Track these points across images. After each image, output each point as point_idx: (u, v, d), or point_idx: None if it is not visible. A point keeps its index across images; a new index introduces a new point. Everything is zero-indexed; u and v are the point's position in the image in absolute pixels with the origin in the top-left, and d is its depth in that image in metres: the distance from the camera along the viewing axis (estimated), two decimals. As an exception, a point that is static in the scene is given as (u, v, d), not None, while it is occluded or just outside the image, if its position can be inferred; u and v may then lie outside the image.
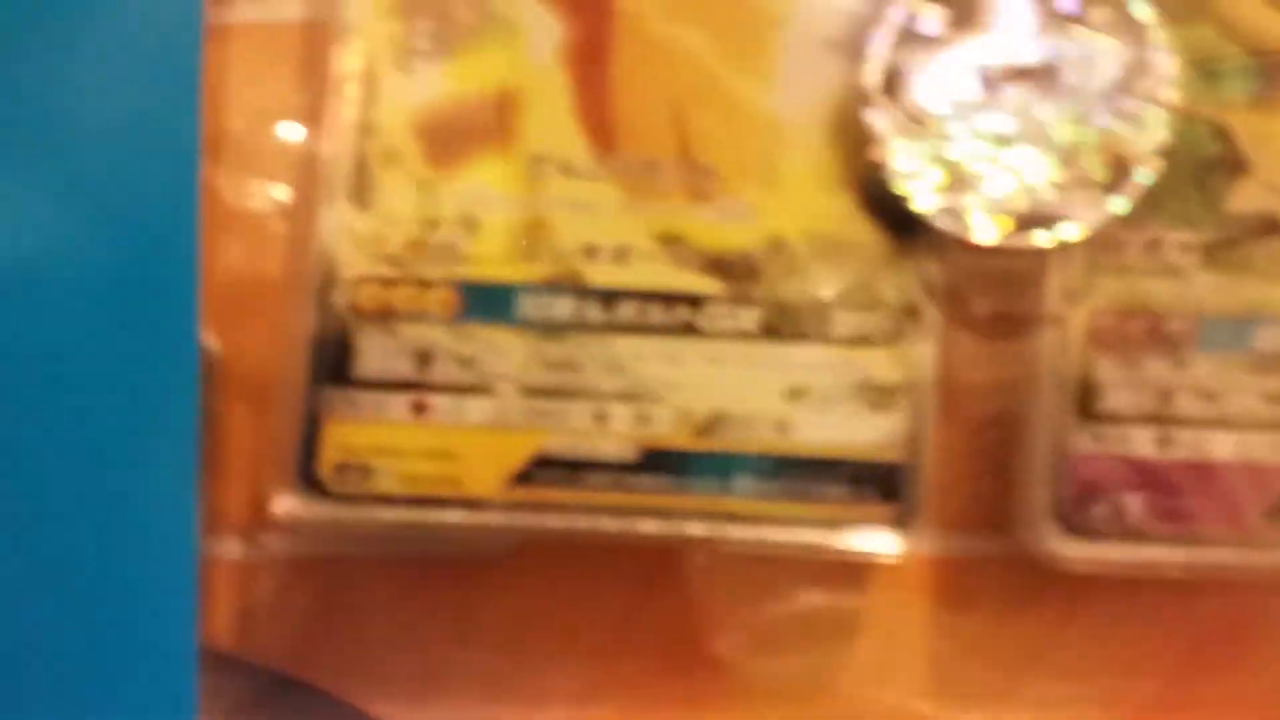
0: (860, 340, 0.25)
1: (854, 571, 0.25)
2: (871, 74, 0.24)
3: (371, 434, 0.25)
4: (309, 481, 0.24)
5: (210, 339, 0.25)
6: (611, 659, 0.26)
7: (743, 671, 0.26)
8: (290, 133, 0.27)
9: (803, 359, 0.25)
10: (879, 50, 0.24)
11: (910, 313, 0.24)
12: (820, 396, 0.24)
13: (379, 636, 0.26)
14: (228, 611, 0.26)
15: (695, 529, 0.25)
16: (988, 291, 0.25)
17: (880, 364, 0.24)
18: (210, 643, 0.25)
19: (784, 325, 0.25)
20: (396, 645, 0.26)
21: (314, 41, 0.26)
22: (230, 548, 0.26)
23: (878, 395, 0.24)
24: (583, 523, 0.24)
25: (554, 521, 0.24)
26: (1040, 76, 0.24)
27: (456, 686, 0.26)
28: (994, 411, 0.25)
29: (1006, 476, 0.25)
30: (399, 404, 0.25)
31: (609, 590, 0.26)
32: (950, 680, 0.26)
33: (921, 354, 0.24)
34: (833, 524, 0.24)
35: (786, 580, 0.26)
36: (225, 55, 0.27)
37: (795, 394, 0.25)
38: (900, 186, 0.24)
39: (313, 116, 0.26)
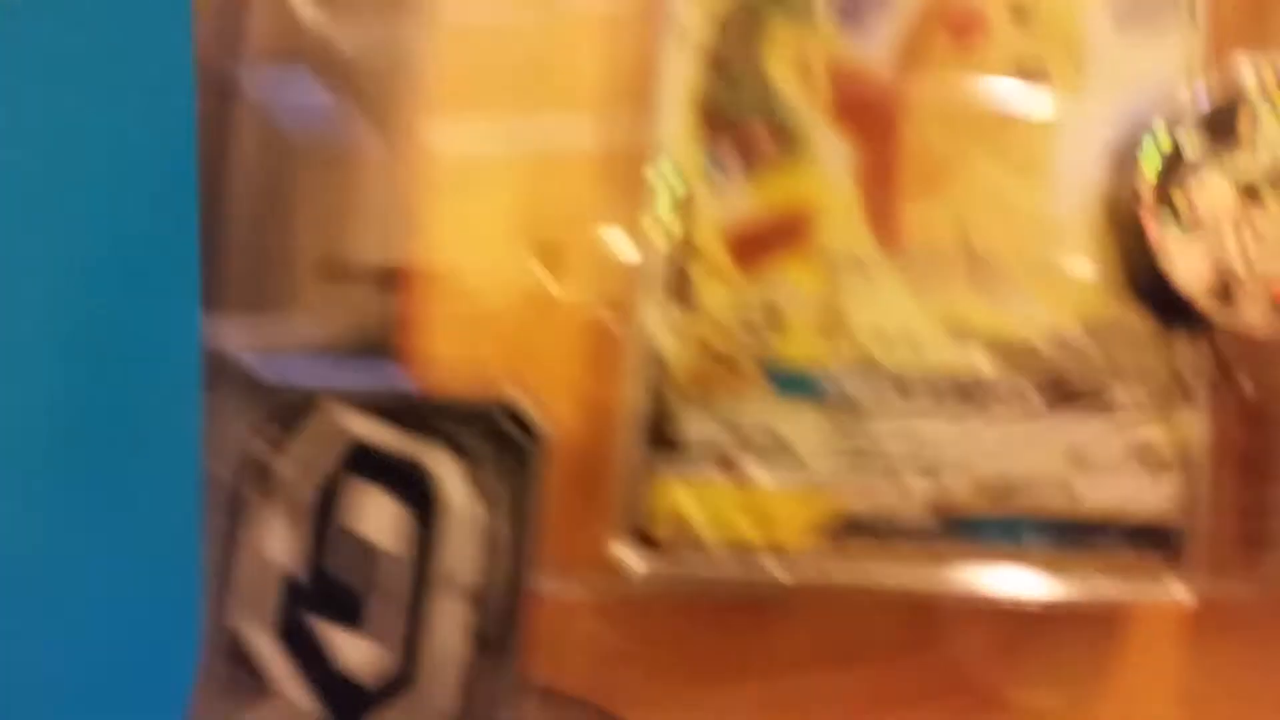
0: (1136, 412, 0.27)
1: (1119, 614, 0.28)
2: (1144, 179, 0.27)
3: (695, 496, 0.28)
4: (641, 536, 0.28)
5: (545, 415, 0.29)
6: (882, 694, 0.29)
7: (1009, 709, 0.28)
8: (616, 240, 0.31)
9: (1083, 430, 0.27)
10: (1150, 157, 0.28)
11: (1182, 386, 0.27)
12: (1100, 464, 0.27)
13: (679, 670, 0.29)
14: (550, 648, 0.29)
15: (988, 584, 0.27)
16: (1253, 367, 0.28)
17: (1155, 433, 0.27)
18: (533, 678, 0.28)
19: (1064, 400, 0.28)
20: (696, 678, 0.29)
21: (634, 164, 0.31)
22: (558, 587, 0.29)
23: (1153, 461, 0.27)
24: (886, 578, 0.27)
25: (861, 577, 0.27)
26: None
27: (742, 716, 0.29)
28: (1257, 472, 0.28)
29: (1266, 530, 0.27)
30: (718, 469, 0.28)
31: (881, 632, 0.29)
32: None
33: (1193, 423, 0.27)
34: (1112, 577, 0.27)
35: (1053, 623, 0.28)
36: (558, 178, 0.31)
37: (1077, 461, 0.27)
38: (1172, 278, 0.27)
39: (635, 227, 0.30)
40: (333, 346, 0.32)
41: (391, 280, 0.33)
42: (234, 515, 0.29)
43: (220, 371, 0.30)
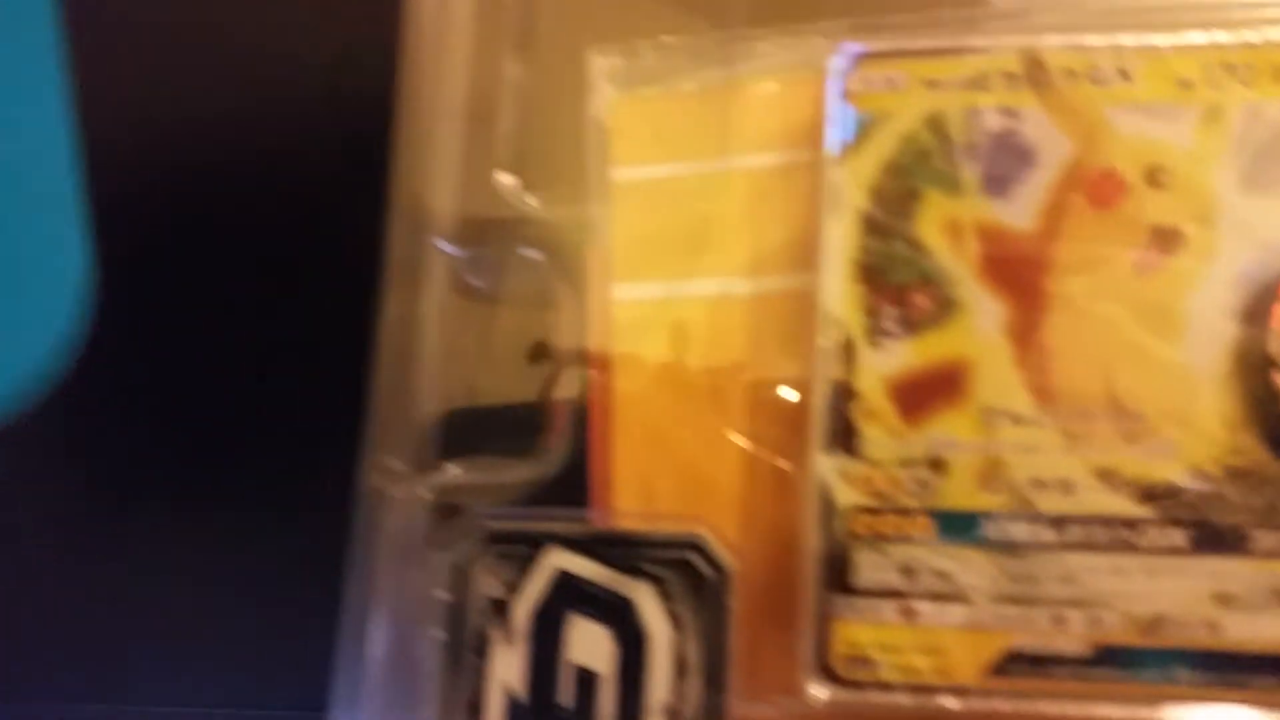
0: (1277, 554, 0.30)
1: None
2: (1273, 341, 0.30)
3: (871, 633, 0.31)
4: (824, 671, 0.31)
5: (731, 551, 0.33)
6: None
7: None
8: (787, 392, 0.34)
9: (1228, 570, 0.30)
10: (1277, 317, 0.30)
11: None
12: (1245, 602, 0.30)
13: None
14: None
15: (1144, 713, 0.30)
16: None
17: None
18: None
19: (1209, 542, 0.30)
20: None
21: (803, 316, 0.34)
22: (749, 710, 0.33)
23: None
24: (1050, 708, 0.30)
25: (1025, 707, 0.30)
26: None
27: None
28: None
29: None
30: (891, 609, 0.31)
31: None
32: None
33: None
34: (1260, 707, 0.30)
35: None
36: (729, 328, 0.35)
37: (1223, 600, 0.30)
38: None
39: (803, 380, 0.34)
40: (539, 485, 0.36)
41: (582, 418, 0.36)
42: (480, 651, 0.33)
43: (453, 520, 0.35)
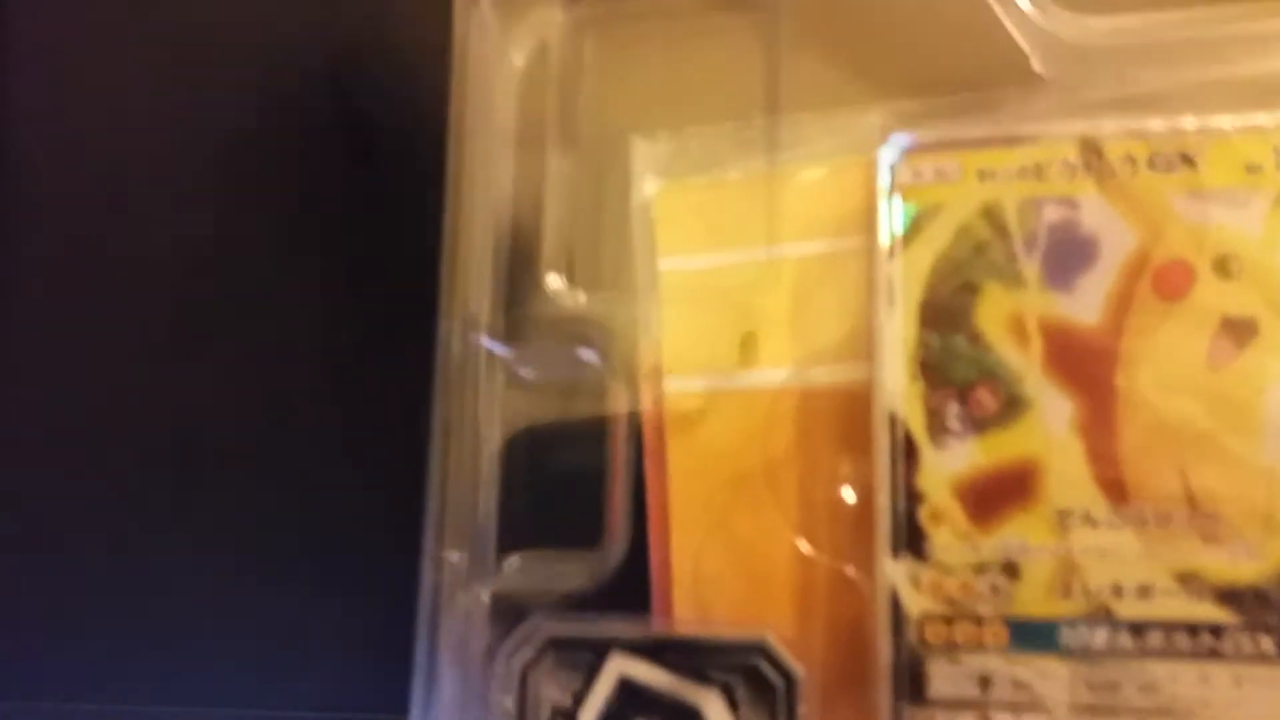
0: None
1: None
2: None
3: None
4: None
5: (799, 655, 0.32)
6: None
7: None
8: (847, 494, 0.33)
9: None
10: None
11: None
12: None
13: None
14: None
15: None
16: None
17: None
18: None
19: (1300, 647, 0.29)
20: None
21: (859, 410, 0.33)
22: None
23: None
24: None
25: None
26: None
27: None
28: None
29: None
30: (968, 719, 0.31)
31: None
32: None
33: None
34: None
35: None
36: (786, 423, 0.34)
37: None
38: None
39: (862, 478, 0.33)
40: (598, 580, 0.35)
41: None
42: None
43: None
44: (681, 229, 0.36)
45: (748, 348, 0.35)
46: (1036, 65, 0.34)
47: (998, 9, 0.34)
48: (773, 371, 0.35)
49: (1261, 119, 0.31)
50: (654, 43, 0.39)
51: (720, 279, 0.36)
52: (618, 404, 0.37)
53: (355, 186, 0.42)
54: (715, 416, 0.35)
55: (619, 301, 0.37)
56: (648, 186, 0.37)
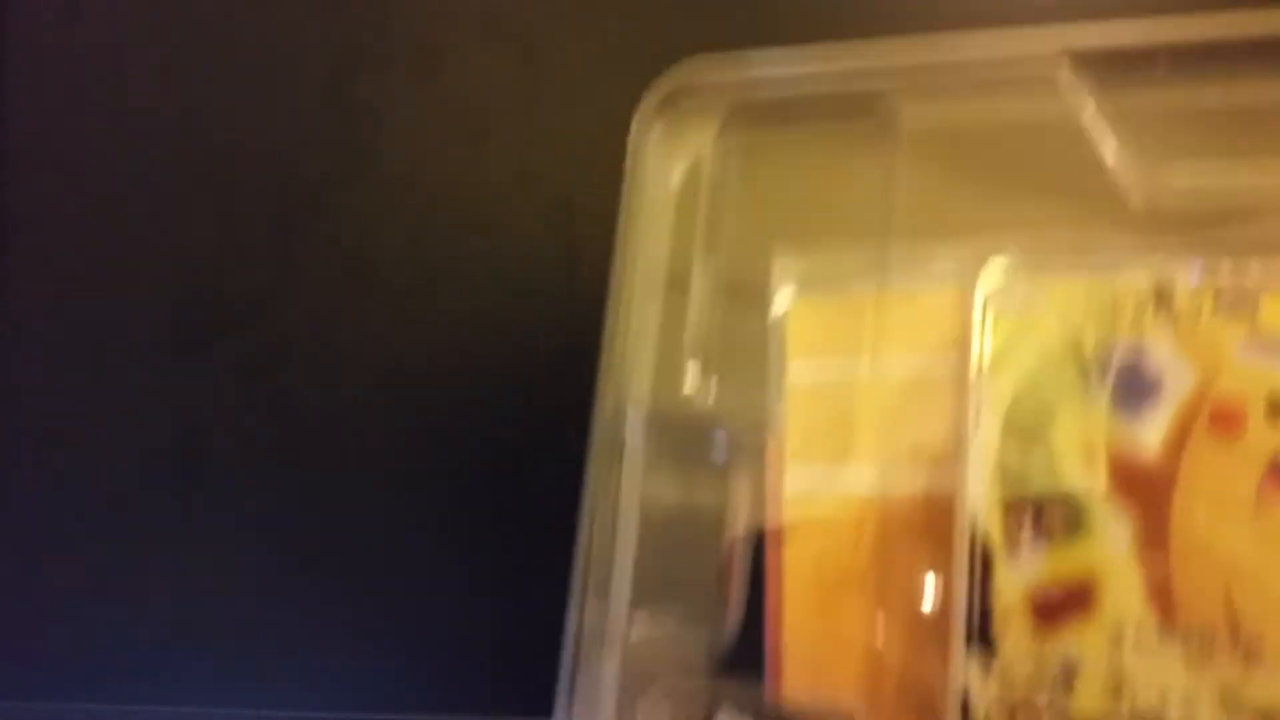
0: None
1: None
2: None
3: None
4: None
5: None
6: None
7: None
8: (931, 590, 0.38)
9: None
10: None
11: None
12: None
13: None
14: None
15: None
16: None
17: None
18: None
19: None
20: None
21: (941, 524, 0.37)
22: None
23: None
24: None
25: None
26: None
27: None
28: None
29: None
30: None
31: None
32: None
33: None
34: None
35: None
36: (889, 524, 0.38)
37: None
38: None
39: (945, 578, 0.37)
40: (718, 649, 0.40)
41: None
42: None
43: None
44: (809, 338, 0.41)
45: (850, 448, 0.39)
46: (1132, 205, 0.37)
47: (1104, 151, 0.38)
48: (877, 472, 0.39)
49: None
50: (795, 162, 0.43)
51: (839, 385, 0.40)
52: (744, 490, 0.41)
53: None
54: (827, 507, 0.40)
55: (751, 398, 0.42)
56: (784, 297, 0.42)
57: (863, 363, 0.40)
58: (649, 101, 0.42)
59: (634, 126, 0.43)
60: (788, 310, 0.41)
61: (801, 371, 0.41)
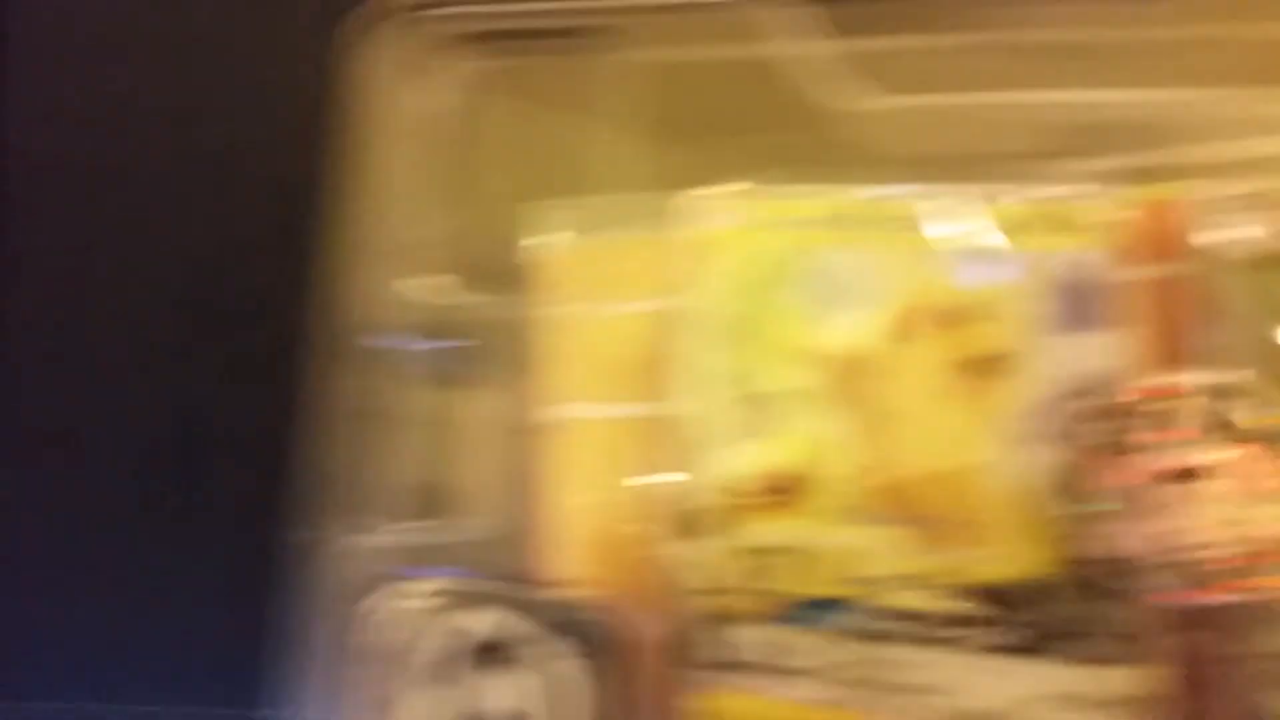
0: (1093, 660, 0.33)
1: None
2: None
3: (738, 703, 0.35)
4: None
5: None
6: None
7: None
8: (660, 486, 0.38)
9: (1049, 673, 0.33)
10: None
11: (1127, 640, 0.32)
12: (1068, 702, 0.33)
13: None
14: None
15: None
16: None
17: (1112, 680, 0.33)
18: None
19: (1037, 643, 0.33)
20: None
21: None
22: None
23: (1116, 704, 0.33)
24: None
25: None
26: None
27: None
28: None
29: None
30: (751, 685, 0.35)
31: None
32: None
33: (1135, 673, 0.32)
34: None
35: None
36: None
37: (1046, 699, 0.33)
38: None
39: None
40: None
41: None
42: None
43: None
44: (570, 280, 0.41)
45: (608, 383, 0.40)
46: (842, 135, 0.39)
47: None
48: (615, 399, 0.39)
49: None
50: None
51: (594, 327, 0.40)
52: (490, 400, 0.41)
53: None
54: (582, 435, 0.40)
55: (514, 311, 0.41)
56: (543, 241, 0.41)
57: (608, 303, 0.40)
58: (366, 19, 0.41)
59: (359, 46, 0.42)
60: (536, 251, 0.41)
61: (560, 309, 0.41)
